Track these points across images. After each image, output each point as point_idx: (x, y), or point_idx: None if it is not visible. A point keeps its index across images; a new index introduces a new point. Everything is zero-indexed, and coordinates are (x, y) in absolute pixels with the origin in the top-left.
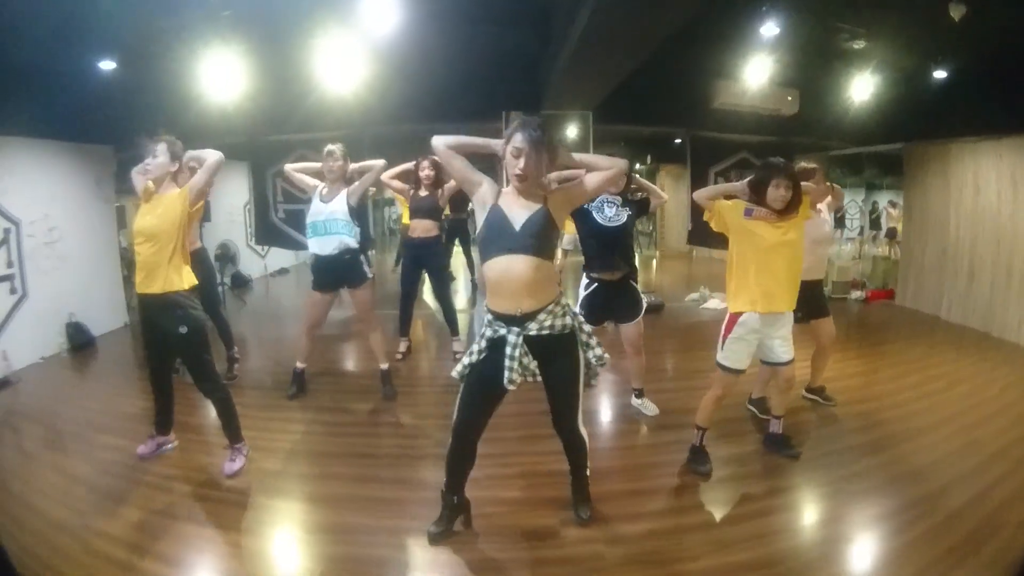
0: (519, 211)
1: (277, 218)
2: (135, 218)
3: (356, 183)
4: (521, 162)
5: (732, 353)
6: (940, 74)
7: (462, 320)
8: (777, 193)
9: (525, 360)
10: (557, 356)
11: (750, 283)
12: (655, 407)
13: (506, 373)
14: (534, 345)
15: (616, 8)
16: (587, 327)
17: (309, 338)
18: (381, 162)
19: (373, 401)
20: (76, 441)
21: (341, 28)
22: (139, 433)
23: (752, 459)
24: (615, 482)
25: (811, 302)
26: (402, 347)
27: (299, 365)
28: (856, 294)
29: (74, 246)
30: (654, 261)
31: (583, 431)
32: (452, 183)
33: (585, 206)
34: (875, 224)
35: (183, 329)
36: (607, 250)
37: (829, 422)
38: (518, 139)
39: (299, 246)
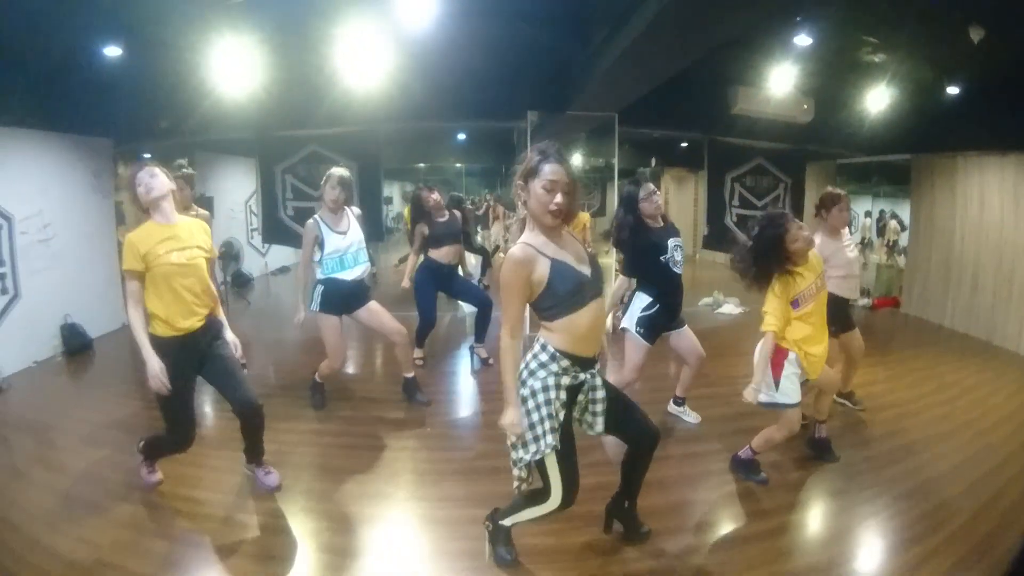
0: (570, 254)
1: (286, 215)
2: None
3: None
4: (558, 196)
5: (790, 389)
6: (953, 89)
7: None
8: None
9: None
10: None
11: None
12: (696, 414)
13: (601, 419)
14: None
15: (680, 12)
16: None
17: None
18: None
19: (395, 410)
20: (69, 455)
21: (364, 19)
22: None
23: (792, 465)
24: (661, 495)
25: (842, 318)
26: (417, 354)
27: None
28: (863, 301)
29: (70, 243)
30: None
31: None
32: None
33: (662, 258)
34: (882, 232)
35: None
36: (677, 294)
37: (859, 428)
38: (549, 171)
39: None
